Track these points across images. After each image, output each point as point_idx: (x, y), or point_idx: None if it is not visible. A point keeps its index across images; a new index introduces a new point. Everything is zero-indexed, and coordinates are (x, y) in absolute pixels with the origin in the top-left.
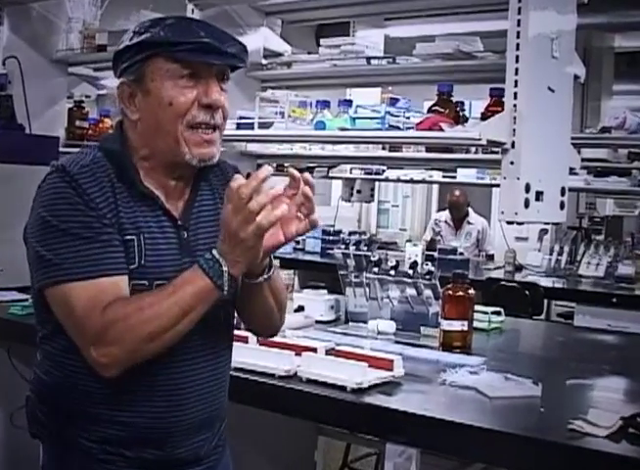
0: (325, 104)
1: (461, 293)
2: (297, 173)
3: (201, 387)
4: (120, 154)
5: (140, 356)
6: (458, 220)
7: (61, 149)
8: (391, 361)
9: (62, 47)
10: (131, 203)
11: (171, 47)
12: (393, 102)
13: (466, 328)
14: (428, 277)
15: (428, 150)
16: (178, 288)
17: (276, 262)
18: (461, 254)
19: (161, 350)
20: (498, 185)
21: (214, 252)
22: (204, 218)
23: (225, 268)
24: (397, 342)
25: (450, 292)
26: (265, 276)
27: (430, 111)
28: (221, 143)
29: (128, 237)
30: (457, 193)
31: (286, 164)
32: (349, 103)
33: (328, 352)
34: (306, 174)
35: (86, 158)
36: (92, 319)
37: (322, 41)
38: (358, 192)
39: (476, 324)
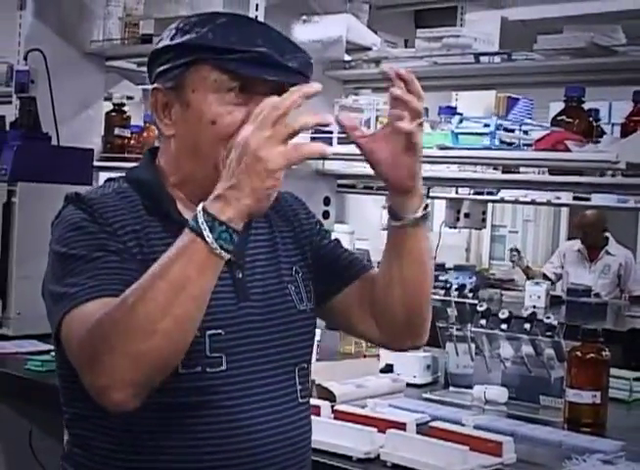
0: None
1: (592, 355)
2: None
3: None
4: (152, 183)
5: (148, 364)
6: (594, 249)
7: (95, 163)
8: (499, 444)
9: (98, 37)
10: (168, 239)
11: (220, 55)
12: (512, 103)
13: (599, 400)
14: (549, 333)
15: (551, 172)
16: (162, 260)
17: None
18: (596, 295)
19: (172, 351)
20: None
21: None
22: (261, 256)
23: (212, 211)
24: (510, 415)
25: (578, 353)
26: (422, 212)
27: (554, 122)
28: None
29: None
30: (589, 213)
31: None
32: (452, 110)
33: (420, 430)
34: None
35: (107, 189)
36: (82, 339)
37: (419, 32)
38: (466, 216)
39: (612, 393)
